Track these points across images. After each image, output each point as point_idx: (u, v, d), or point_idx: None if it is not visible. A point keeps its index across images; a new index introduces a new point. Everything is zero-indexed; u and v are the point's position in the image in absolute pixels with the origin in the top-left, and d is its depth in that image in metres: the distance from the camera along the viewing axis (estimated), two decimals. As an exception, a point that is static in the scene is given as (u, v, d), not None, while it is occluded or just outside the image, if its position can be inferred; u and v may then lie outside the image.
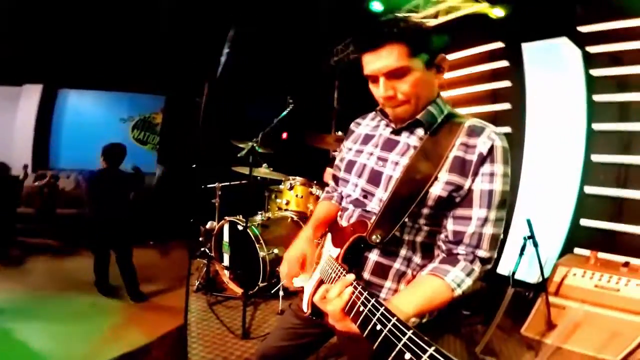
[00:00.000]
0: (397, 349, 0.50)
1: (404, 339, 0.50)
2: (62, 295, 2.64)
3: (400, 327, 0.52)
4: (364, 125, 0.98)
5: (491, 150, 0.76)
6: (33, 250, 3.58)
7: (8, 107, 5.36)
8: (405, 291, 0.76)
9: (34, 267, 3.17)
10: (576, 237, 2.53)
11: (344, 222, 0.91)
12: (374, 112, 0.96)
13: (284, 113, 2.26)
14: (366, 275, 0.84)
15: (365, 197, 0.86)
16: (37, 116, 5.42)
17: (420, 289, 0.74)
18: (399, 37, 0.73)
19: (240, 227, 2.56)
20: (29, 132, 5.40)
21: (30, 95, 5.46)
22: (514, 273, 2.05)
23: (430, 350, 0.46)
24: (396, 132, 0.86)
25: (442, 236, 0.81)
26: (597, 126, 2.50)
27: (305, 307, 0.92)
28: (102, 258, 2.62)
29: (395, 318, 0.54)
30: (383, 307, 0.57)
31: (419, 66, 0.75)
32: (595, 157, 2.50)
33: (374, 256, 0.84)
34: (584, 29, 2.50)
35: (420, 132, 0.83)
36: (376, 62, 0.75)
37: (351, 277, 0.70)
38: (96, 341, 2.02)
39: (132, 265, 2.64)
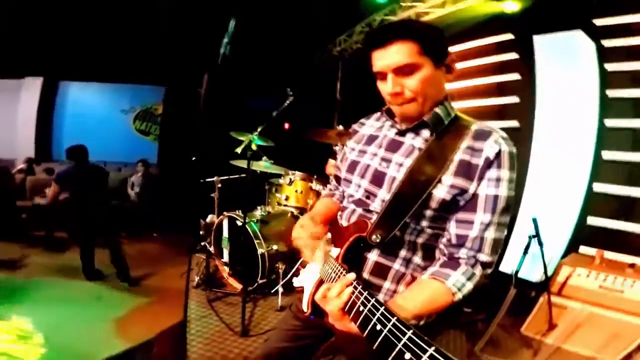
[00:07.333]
0: (397, 349, 0.50)
1: (404, 339, 0.50)
2: (65, 287, 2.67)
3: (400, 327, 0.52)
4: (368, 125, 0.97)
5: (498, 155, 0.75)
6: (37, 242, 3.61)
7: (9, 100, 5.37)
8: (406, 293, 0.77)
9: (36, 260, 3.20)
10: (582, 235, 2.47)
11: (344, 222, 0.91)
12: (379, 113, 0.95)
13: (284, 105, 2.21)
14: (365, 275, 0.84)
15: (367, 197, 0.86)
16: (38, 109, 5.43)
17: (421, 292, 0.75)
18: (409, 35, 0.74)
19: (239, 223, 2.55)
20: (31, 125, 5.42)
21: (32, 88, 5.46)
22: (516, 272, 2.01)
23: (430, 350, 0.46)
24: (401, 133, 0.86)
25: (445, 239, 0.80)
26: (609, 122, 2.43)
27: (305, 307, 0.91)
28: (87, 248, 2.83)
29: (395, 318, 0.53)
30: (383, 307, 0.58)
31: (429, 64, 0.76)
32: (606, 154, 2.43)
33: (373, 256, 0.83)
34: (599, 21, 2.42)
35: (425, 133, 0.83)
36: (385, 58, 0.76)
37: (351, 276, 0.70)
38: (99, 336, 2.05)
39: (120, 251, 2.87)
